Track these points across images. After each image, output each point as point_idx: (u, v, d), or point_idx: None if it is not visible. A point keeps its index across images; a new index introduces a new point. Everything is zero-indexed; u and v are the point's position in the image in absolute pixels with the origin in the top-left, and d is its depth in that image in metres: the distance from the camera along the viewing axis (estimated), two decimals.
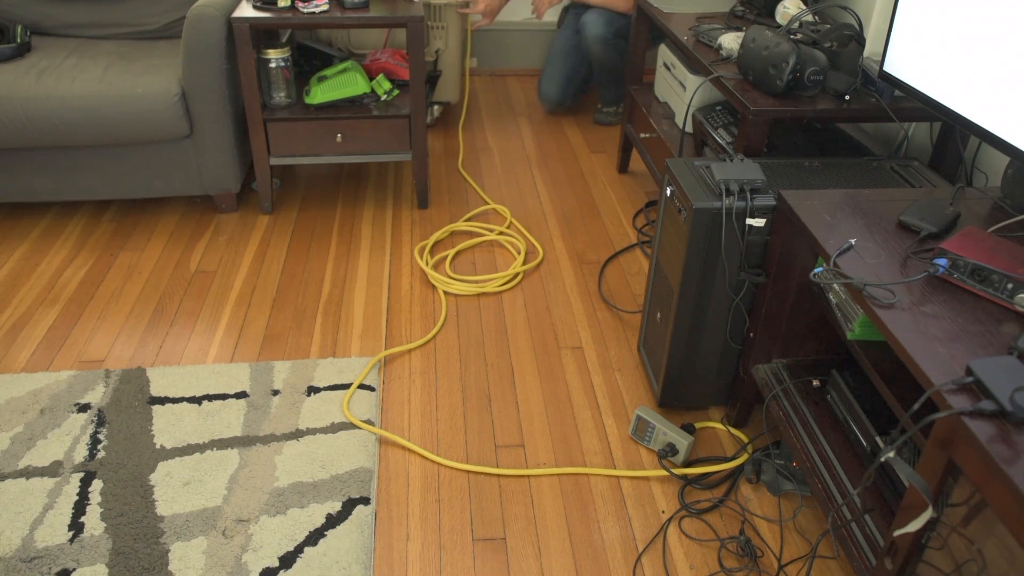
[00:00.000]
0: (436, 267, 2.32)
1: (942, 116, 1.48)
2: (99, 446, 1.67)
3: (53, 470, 1.61)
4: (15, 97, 2.21)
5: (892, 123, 1.81)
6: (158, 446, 1.67)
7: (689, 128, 2.32)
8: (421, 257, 2.33)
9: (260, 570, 1.42)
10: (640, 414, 1.70)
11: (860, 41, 1.87)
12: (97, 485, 1.58)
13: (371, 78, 2.56)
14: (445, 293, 2.19)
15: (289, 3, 2.33)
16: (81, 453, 1.65)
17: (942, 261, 1.19)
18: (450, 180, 2.81)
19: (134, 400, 1.79)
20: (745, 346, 1.66)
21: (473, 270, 2.31)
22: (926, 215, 1.33)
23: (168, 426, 1.72)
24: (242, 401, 1.79)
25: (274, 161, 2.48)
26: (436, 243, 2.44)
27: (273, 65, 2.38)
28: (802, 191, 1.45)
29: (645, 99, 2.62)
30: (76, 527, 1.49)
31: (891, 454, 1.06)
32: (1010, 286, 1.13)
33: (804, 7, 2.14)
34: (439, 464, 1.67)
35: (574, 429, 1.77)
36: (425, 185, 2.58)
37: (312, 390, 1.83)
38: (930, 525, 1.04)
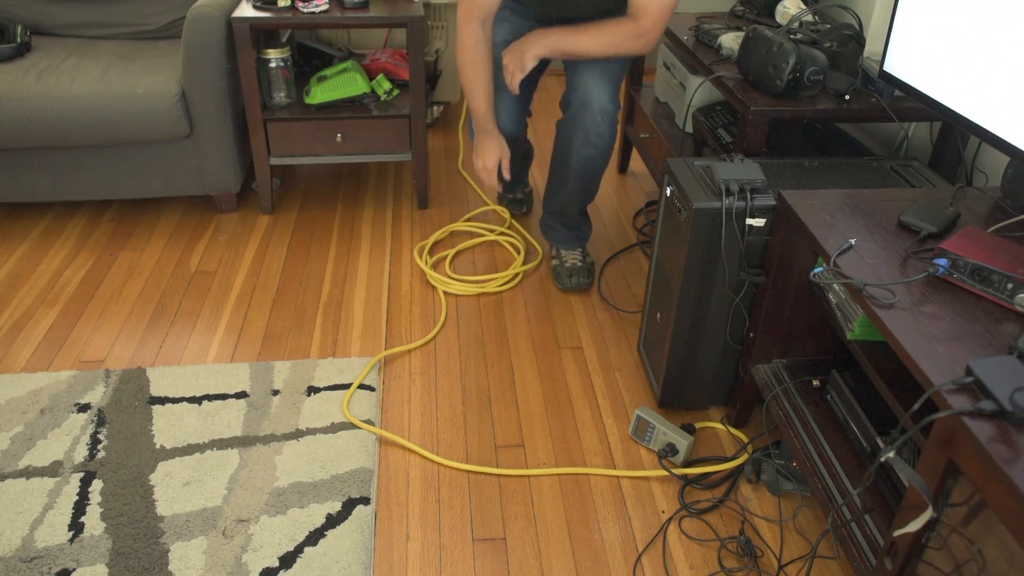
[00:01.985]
0: (436, 267, 2.32)
1: (942, 116, 1.48)
2: (99, 446, 1.67)
3: (53, 470, 1.61)
4: (15, 97, 2.21)
5: (892, 123, 1.80)
6: (158, 446, 1.67)
7: (689, 128, 2.32)
8: (420, 257, 2.33)
9: (260, 570, 1.42)
10: (640, 414, 1.70)
11: (860, 41, 1.87)
12: (97, 485, 1.58)
13: (371, 78, 2.56)
14: (445, 293, 2.19)
15: (289, 3, 2.33)
16: (81, 453, 1.65)
17: (942, 261, 1.19)
18: (450, 180, 2.81)
19: (134, 400, 1.79)
20: (745, 346, 1.66)
21: (473, 270, 2.31)
22: (926, 215, 1.33)
23: (168, 426, 1.72)
24: (242, 401, 1.79)
25: (274, 161, 2.48)
26: (436, 243, 2.44)
27: (273, 65, 2.38)
28: (802, 191, 1.45)
29: (645, 99, 2.62)
30: (76, 527, 1.49)
31: (891, 454, 1.06)
32: (1010, 286, 1.13)
33: (804, 7, 2.14)
34: (439, 464, 1.67)
35: (574, 429, 1.77)
36: (425, 185, 2.58)
37: (312, 390, 1.83)
38: (930, 525, 1.04)
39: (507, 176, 2.09)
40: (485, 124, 2.00)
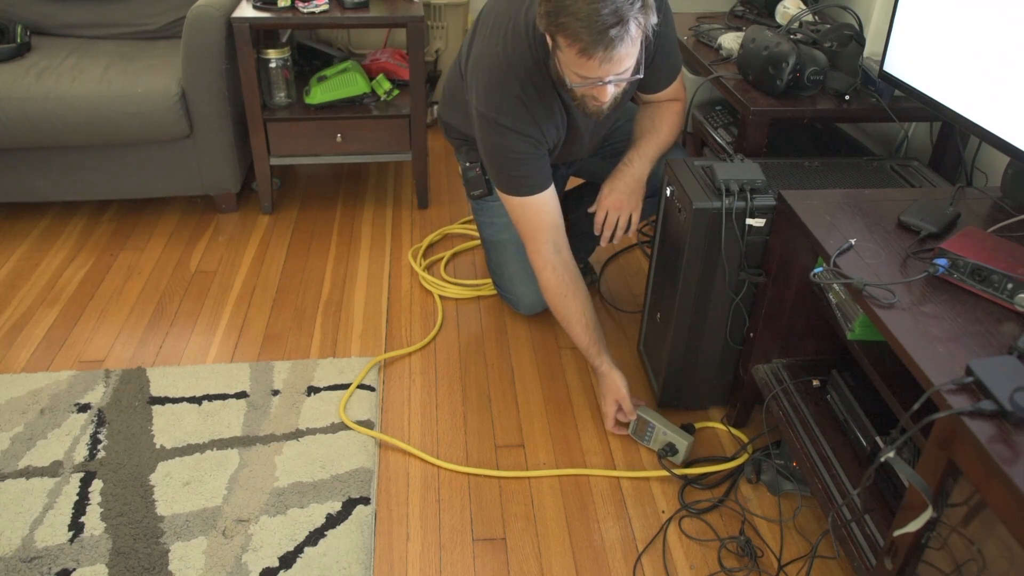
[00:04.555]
0: (433, 269, 2.31)
1: (942, 116, 1.48)
2: (99, 446, 1.66)
3: (53, 470, 1.61)
4: (15, 97, 2.20)
5: (892, 123, 1.81)
6: (158, 446, 1.67)
7: (689, 128, 2.32)
8: (415, 260, 2.32)
9: (260, 570, 1.42)
10: (640, 414, 1.69)
11: (860, 41, 1.87)
12: (97, 485, 1.58)
13: (371, 78, 2.56)
14: (441, 297, 2.18)
15: (289, 3, 2.33)
16: (81, 453, 1.65)
17: (942, 261, 1.19)
18: (450, 180, 2.81)
19: (134, 400, 1.79)
20: (745, 346, 1.66)
21: (473, 272, 2.31)
22: (926, 215, 1.33)
23: (168, 426, 1.72)
24: (242, 401, 1.79)
25: (274, 161, 2.47)
26: (434, 244, 2.44)
27: (273, 65, 2.38)
28: (802, 191, 1.45)
29: None
30: (76, 527, 1.49)
31: (891, 454, 1.06)
32: (1010, 286, 1.13)
33: (804, 7, 2.14)
34: (439, 466, 1.67)
35: (574, 429, 1.77)
36: (425, 185, 2.58)
37: (312, 390, 1.83)
38: (930, 525, 1.04)
39: (630, 417, 1.74)
40: (591, 359, 1.77)
